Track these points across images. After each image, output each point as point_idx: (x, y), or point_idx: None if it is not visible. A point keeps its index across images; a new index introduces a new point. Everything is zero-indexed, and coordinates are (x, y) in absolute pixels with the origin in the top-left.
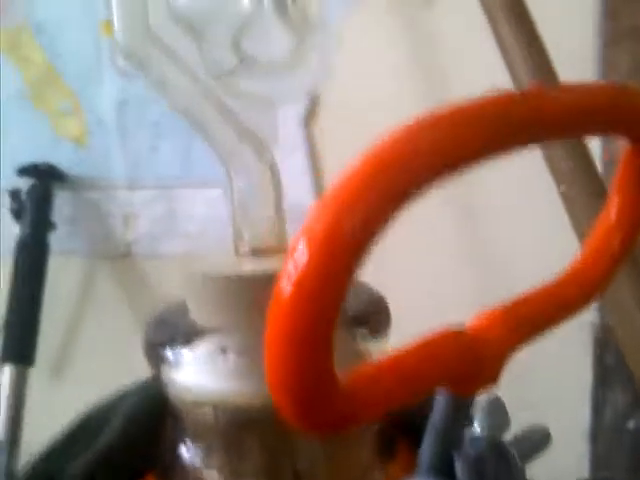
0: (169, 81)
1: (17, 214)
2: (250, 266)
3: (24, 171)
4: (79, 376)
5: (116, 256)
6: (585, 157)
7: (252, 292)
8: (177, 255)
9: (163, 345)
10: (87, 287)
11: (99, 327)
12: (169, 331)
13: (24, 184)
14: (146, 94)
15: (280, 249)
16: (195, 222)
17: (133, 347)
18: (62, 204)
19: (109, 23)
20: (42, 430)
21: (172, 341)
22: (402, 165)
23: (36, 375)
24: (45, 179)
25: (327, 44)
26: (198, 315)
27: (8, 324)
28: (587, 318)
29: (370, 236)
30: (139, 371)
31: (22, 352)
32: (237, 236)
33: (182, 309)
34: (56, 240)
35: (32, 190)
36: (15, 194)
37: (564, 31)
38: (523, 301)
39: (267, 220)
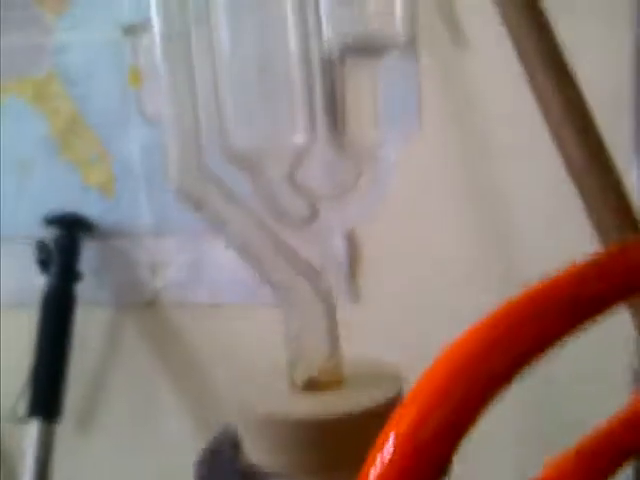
0: (225, 218)
1: (44, 265)
2: (304, 403)
3: (51, 221)
4: (106, 428)
5: (143, 304)
6: None
7: (309, 434)
8: (204, 304)
9: None
10: (114, 336)
11: (126, 377)
12: (224, 471)
13: (51, 234)
14: None
15: (334, 383)
16: (222, 271)
17: (160, 397)
18: (89, 253)
19: (135, 72)
20: None
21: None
22: (483, 361)
23: (63, 427)
24: (72, 229)
25: (383, 174)
26: (253, 453)
27: (34, 378)
28: None
29: (456, 434)
30: (166, 423)
31: (49, 407)
32: (292, 368)
33: (234, 443)
34: (83, 290)
35: (59, 241)
36: (42, 245)
37: (600, 74)
38: (590, 449)
39: (321, 354)
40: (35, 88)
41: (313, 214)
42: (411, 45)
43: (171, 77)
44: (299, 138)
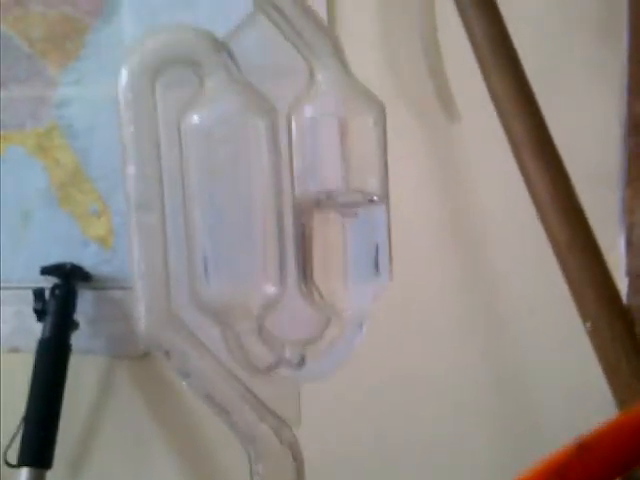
0: (192, 367)
1: (40, 313)
2: None
3: (48, 271)
4: (97, 476)
5: (135, 356)
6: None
7: None
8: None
9: None
10: (107, 386)
11: (118, 426)
12: None
13: (48, 283)
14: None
15: None
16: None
17: (150, 448)
18: (85, 302)
19: None
20: None
21: None
22: None
23: (53, 472)
24: (69, 279)
25: (349, 332)
26: None
27: (26, 425)
28: None
29: None
30: (156, 472)
31: (40, 455)
32: None
33: None
34: (78, 338)
35: (56, 290)
36: (39, 293)
37: (589, 147)
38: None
39: None
40: (37, 140)
41: (278, 362)
42: (383, 200)
43: (142, 227)
44: (269, 289)
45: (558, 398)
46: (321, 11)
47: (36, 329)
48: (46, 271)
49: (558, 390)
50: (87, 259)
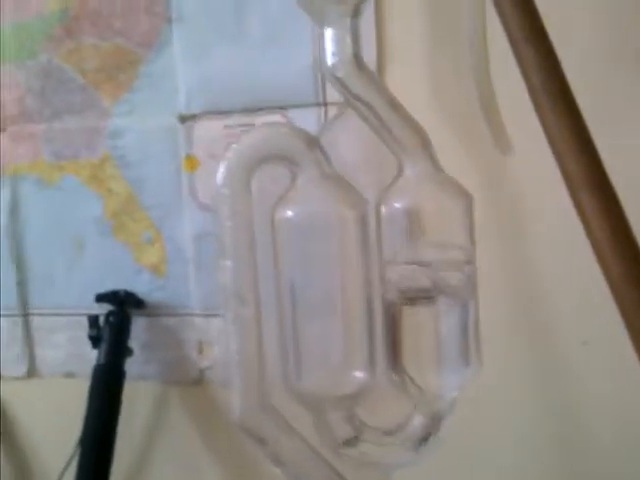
0: (285, 454)
1: (95, 340)
2: None
3: (103, 298)
4: None
5: (189, 382)
6: None
7: None
8: None
9: None
10: (160, 412)
11: (171, 453)
12: None
13: (102, 310)
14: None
15: None
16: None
17: (204, 474)
18: (138, 329)
19: (190, 157)
20: None
21: None
22: None
23: None
24: (123, 306)
25: (438, 417)
26: None
27: (82, 450)
28: None
29: None
30: None
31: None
32: None
33: None
34: (131, 365)
35: (110, 317)
36: (93, 320)
37: None
38: None
39: None
40: (91, 170)
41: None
42: (472, 288)
43: (237, 318)
44: (359, 377)
45: (611, 431)
46: (370, 48)
47: (90, 354)
48: (101, 298)
49: (611, 422)
50: (140, 286)
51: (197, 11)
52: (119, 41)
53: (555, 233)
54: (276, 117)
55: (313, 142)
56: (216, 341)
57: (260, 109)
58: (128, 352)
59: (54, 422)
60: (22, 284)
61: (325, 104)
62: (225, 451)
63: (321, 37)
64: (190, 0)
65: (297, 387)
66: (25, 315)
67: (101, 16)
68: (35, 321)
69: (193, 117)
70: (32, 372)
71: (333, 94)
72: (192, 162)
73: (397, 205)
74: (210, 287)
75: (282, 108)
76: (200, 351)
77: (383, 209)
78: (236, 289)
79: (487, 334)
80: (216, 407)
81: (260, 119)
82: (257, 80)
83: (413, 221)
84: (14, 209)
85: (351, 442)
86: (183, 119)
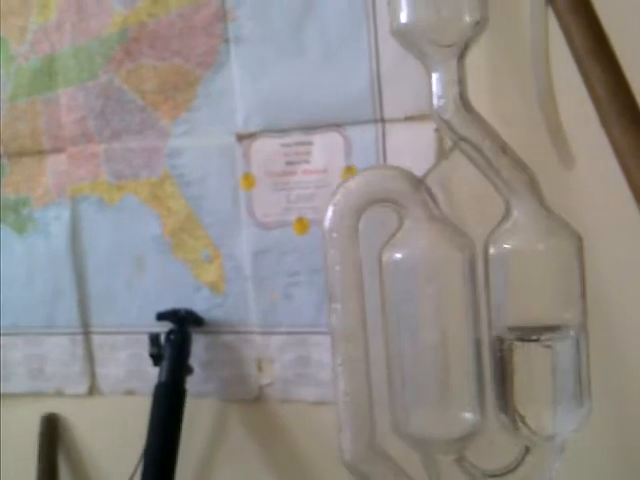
0: None
1: (156, 358)
2: None
3: (164, 316)
4: None
5: (249, 399)
6: None
7: None
8: (308, 400)
9: None
10: (220, 429)
11: (231, 470)
12: None
13: (162, 327)
14: (281, 245)
15: None
16: (326, 369)
17: None
18: (198, 347)
19: (248, 176)
20: None
21: None
22: None
23: None
24: (183, 324)
25: (552, 457)
26: None
27: (145, 467)
28: None
29: None
30: None
31: None
32: None
33: None
34: (191, 382)
35: (171, 335)
36: (154, 339)
37: None
38: None
39: None
40: (150, 188)
41: None
42: (583, 328)
43: (346, 359)
44: (468, 419)
45: None
46: None
47: (151, 372)
48: (162, 317)
49: None
50: (199, 304)
51: (255, 31)
52: (177, 61)
53: (619, 248)
54: (333, 135)
55: (419, 184)
56: (275, 358)
57: (317, 127)
58: (189, 370)
59: (115, 439)
60: (83, 302)
61: (383, 121)
62: (284, 467)
63: (427, 79)
64: (248, 21)
65: (406, 429)
66: (86, 333)
67: (159, 37)
68: (96, 339)
69: (250, 136)
70: (93, 390)
71: (391, 111)
72: (249, 180)
73: (506, 246)
74: (268, 304)
75: (339, 125)
76: (259, 368)
77: (492, 250)
78: (345, 331)
79: None
80: (275, 424)
81: (317, 137)
82: (314, 98)
83: (523, 262)
84: (75, 229)
85: None
86: (241, 138)
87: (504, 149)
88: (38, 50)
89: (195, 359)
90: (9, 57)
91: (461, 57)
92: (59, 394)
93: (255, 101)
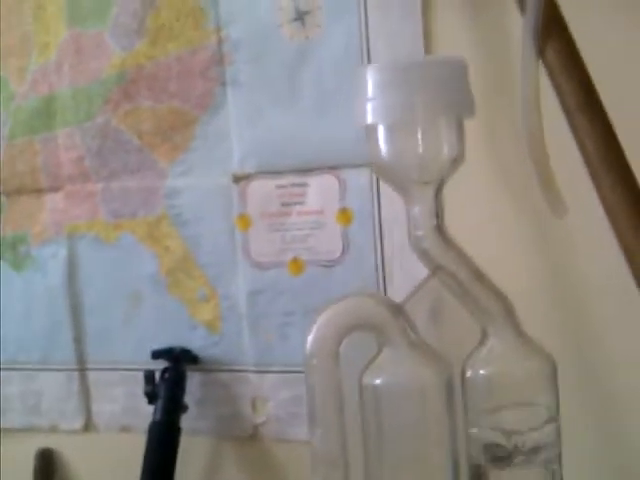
0: None
1: (151, 397)
2: None
3: (159, 355)
4: None
5: (243, 438)
6: None
7: None
8: (303, 439)
9: None
10: (214, 467)
11: None
12: None
13: (157, 365)
14: (276, 285)
15: None
16: None
17: None
18: (193, 384)
19: (244, 217)
20: None
21: None
22: None
23: None
24: (179, 363)
25: None
26: None
27: None
28: None
29: None
30: None
31: None
32: None
33: None
34: (186, 420)
35: (166, 373)
36: (149, 376)
37: None
38: None
39: None
40: (147, 228)
41: None
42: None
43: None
44: None
45: None
46: None
47: (146, 409)
48: (157, 355)
49: None
50: (195, 342)
51: (251, 76)
52: (175, 103)
53: (612, 296)
54: (328, 177)
55: (398, 311)
56: (270, 396)
57: (312, 169)
58: (183, 408)
59: (110, 476)
60: (79, 339)
61: None
62: None
63: (406, 210)
64: (244, 65)
65: None
66: (82, 370)
67: (157, 79)
68: (92, 375)
69: (247, 177)
70: (88, 426)
71: None
72: (245, 221)
73: (482, 372)
74: (263, 343)
75: (334, 168)
76: (254, 407)
77: (468, 374)
78: (325, 454)
79: None
80: (270, 462)
81: (312, 179)
82: (309, 142)
83: (497, 387)
84: (72, 266)
85: None
86: (237, 179)
87: (480, 277)
88: (37, 90)
89: (190, 396)
90: (9, 96)
91: (438, 191)
92: (54, 429)
93: (251, 143)
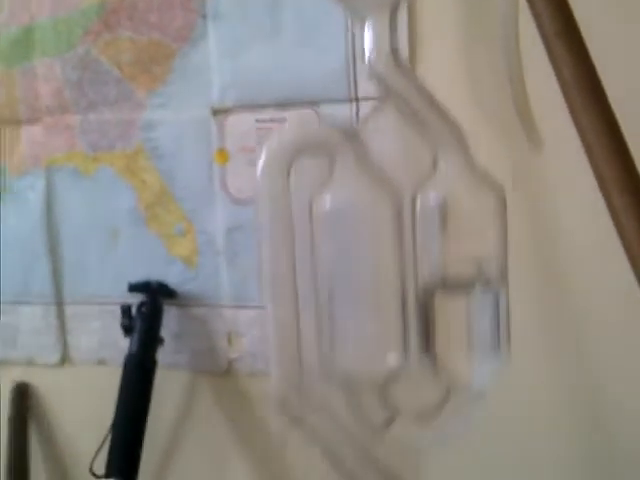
0: (321, 432)
1: (127, 330)
2: None
3: (135, 288)
4: None
5: (218, 373)
6: None
7: None
8: None
9: None
10: (189, 401)
11: (198, 441)
12: None
13: (135, 299)
14: (253, 220)
15: None
16: None
17: (229, 464)
18: (169, 319)
19: (222, 151)
20: None
21: None
22: None
23: None
24: (155, 296)
25: (470, 404)
26: None
27: (113, 437)
28: None
29: None
30: None
31: (126, 467)
32: None
33: None
34: (161, 353)
35: (143, 306)
36: (125, 310)
37: None
38: None
39: None
40: (125, 161)
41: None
42: (503, 281)
43: (275, 301)
44: (392, 360)
45: None
46: (402, 43)
47: (122, 342)
48: (133, 288)
49: None
50: (172, 277)
51: (232, 8)
52: (155, 35)
53: (587, 232)
54: (308, 112)
55: (351, 134)
56: (245, 332)
57: (292, 104)
58: (159, 341)
59: (86, 408)
60: (56, 273)
61: (357, 99)
62: (252, 440)
63: (359, 32)
64: None
65: (332, 369)
66: (59, 303)
67: (137, 10)
68: (69, 309)
69: (225, 111)
70: (65, 359)
71: (365, 90)
72: (223, 155)
73: (432, 198)
74: (240, 279)
75: (314, 103)
76: (229, 342)
77: (418, 202)
78: (274, 276)
79: (519, 319)
80: (244, 397)
81: (292, 114)
82: (290, 76)
83: (447, 213)
84: (49, 199)
85: (385, 424)
86: (215, 112)
87: (432, 103)
88: (17, 20)
89: (166, 331)
90: None
91: (394, 9)
92: (30, 363)
93: (231, 77)
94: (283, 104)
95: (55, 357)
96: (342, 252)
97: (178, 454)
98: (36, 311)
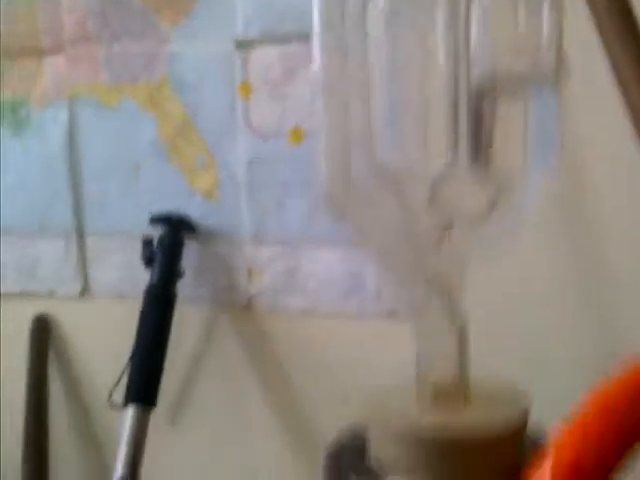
0: (366, 226)
1: (148, 261)
2: (431, 415)
3: (157, 220)
4: (193, 423)
5: (237, 308)
6: None
7: (433, 446)
8: (296, 311)
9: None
10: (208, 335)
11: (217, 373)
12: (352, 464)
13: (156, 232)
14: (276, 155)
15: (459, 398)
16: (315, 280)
17: (248, 396)
18: (190, 253)
19: (245, 84)
20: (157, 471)
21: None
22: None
23: (153, 419)
24: (176, 229)
25: (523, 201)
26: (380, 453)
27: (133, 365)
28: None
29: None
30: (253, 420)
31: (146, 393)
32: (420, 380)
33: (361, 439)
34: (182, 287)
35: (163, 239)
36: (147, 242)
37: None
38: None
39: (450, 371)
40: (148, 93)
41: (447, 236)
42: (557, 79)
43: (327, 92)
44: (442, 160)
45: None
46: None
47: (142, 276)
48: (154, 221)
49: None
50: (193, 211)
51: None
52: None
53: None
54: None
55: None
56: (265, 268)
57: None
58: (179, 274)
59: (106, 340)
60: (78, 205)
61: None
62: (269, 376)
63: None
64: None
65: (382, 164)
66: (80, 235)
67: None
68: (90, 242)
69: (250, 43)
70: (85, 292)
71: None
72: (247, 88)
73: None
74: (260, 214)
75: None
76: (249, 277)
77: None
78: (327, 76)
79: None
80: (263, 333)
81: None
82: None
83: (499, 12)
84: (72, 130)
85: (438, 230)
86: (239, 45)
87: None
88: None
89: (187, 265)
90: None
91: None
92: (51, 295)
93: (255, 8)
94: (308, 36)
95: (75, 289)
96: (394, 52)
97: (196, 386)
98: (57, 243)
